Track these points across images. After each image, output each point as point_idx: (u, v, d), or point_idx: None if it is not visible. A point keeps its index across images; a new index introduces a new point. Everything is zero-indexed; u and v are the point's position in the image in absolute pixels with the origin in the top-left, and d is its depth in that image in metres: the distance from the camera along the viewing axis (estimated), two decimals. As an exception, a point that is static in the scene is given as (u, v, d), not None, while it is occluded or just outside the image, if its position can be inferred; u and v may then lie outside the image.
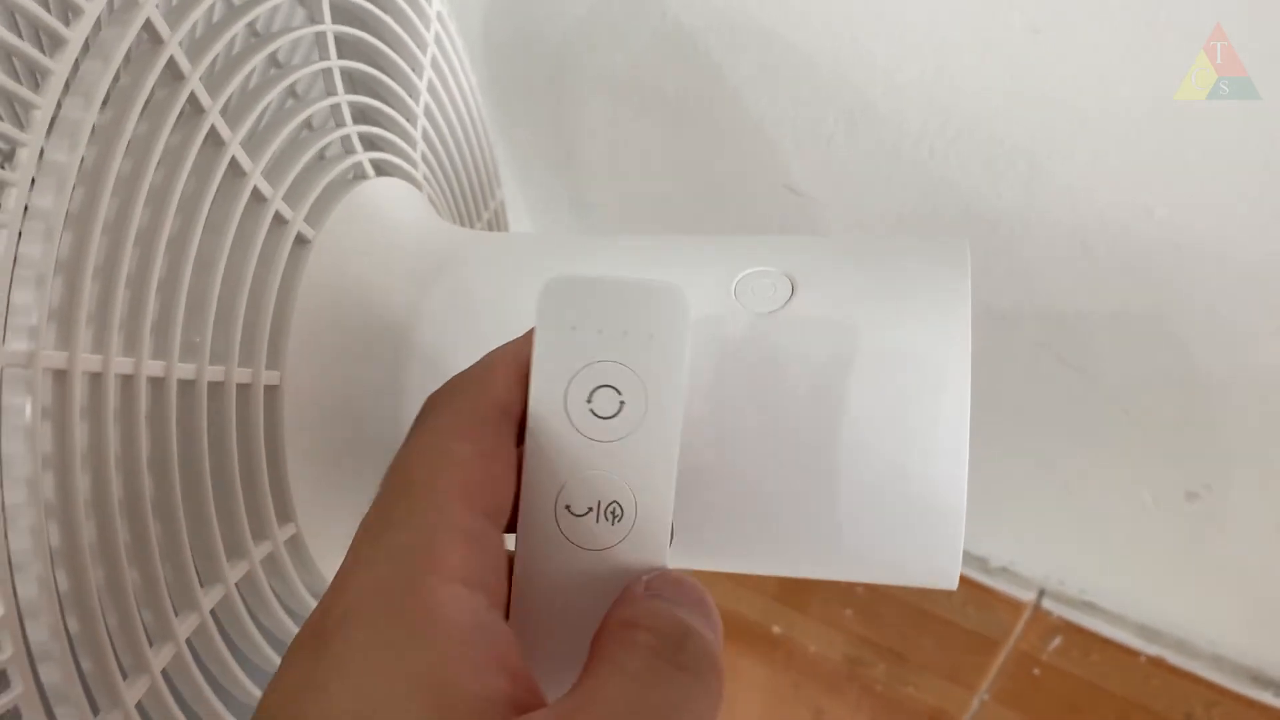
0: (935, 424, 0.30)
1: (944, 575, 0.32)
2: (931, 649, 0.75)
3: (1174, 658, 0.64)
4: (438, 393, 0.23)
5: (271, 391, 0.31)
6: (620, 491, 0.22)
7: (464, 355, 0.32)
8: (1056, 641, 0.68)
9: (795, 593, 0.79)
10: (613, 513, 0.22)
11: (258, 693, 0.30)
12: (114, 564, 0.26)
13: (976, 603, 0.69)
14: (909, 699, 0.80)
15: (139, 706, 0.27)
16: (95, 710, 0.26)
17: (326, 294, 0.32)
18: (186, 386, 0.29)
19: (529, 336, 0.23)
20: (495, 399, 0.22)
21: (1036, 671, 0.72)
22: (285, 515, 0.32)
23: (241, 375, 0.30)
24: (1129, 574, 0.64)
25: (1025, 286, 0.53)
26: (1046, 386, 0.57)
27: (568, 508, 0.22)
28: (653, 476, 0.22)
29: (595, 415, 0.22)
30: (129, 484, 0.27)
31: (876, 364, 0.30)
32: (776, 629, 0.83)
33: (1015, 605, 0.68)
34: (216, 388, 0.29)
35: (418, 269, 0.34)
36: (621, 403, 0.22)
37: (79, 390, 0.25)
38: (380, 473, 0.33)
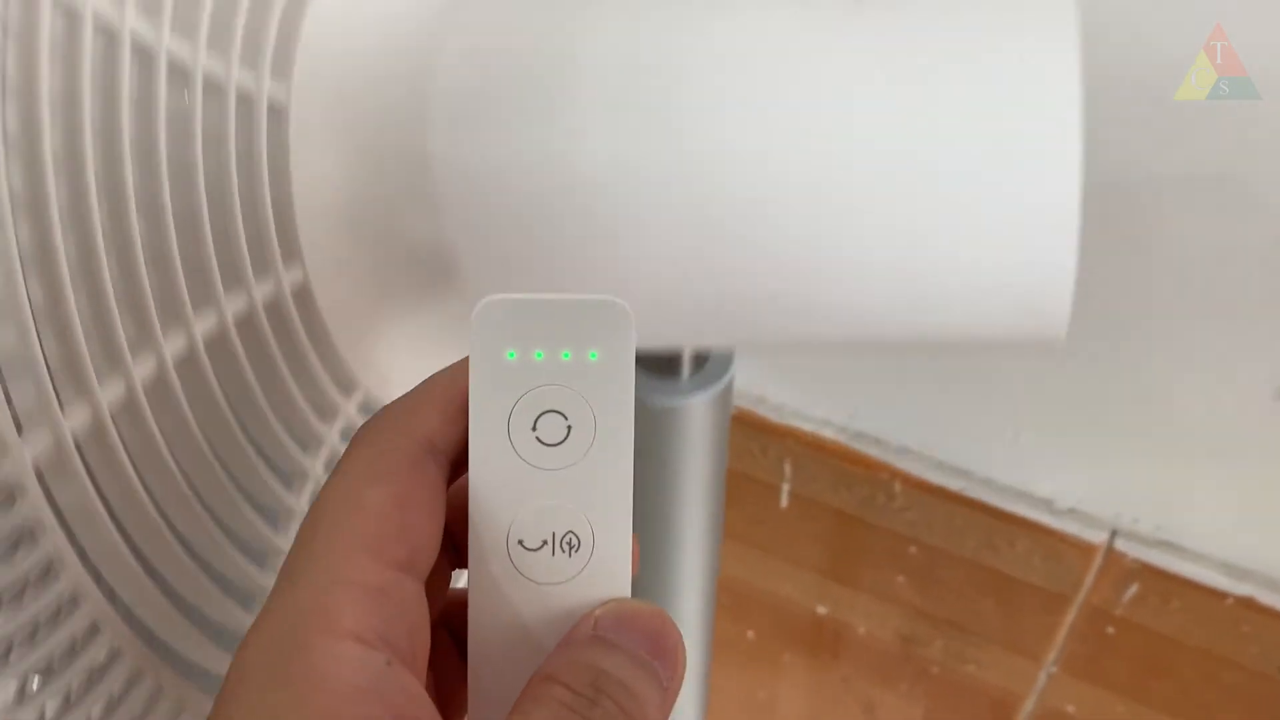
0: (1042, 124, 0.26)
1: (1051, 314, 0.27)
2: (993, 614, 0.69)
3: (1266, 597, 0.58)
4: (365, 426, 0.22)
5: (278, 113, 0.27)
6: (575, 520, 0.21)
7: (493, 92, 0.29)
8: (1132, 590, 0.62)
9: (843, 563, 0.74)
10: (569, 543, 0.21)
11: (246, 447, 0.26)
12: (87, 237, 0.22)
13: (1043, 550, 0.64)
14: (969, 680, 0.74)
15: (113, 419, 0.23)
16: (61, 404, 0.22)
17: (337, 20, 0.29)
18: (179, 74, 0.25)
19: (464, 364, 0.21)
20: (420, 437, 0.21)
21: (1110, 630, 0.66)
22: (291, 253, 0.28)
23: (243, 78, 0.26)
24: (1210, 502, 0.59)
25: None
26: (1109, 280, 0.52)
27: (520, 542, 0.21)
28: (608, 501, 0.21)
29: (542, 443, 0.21)
30: (108, 163, 0.23)
31: (978, 62, 0.27)
32: (822, 609, 0.77)
33: (1086, 549, 0.62)
34: (215, 89, 0.26)
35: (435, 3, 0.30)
36: (569, 427, 0.21)
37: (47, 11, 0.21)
38: (400, 228, 0.30)
